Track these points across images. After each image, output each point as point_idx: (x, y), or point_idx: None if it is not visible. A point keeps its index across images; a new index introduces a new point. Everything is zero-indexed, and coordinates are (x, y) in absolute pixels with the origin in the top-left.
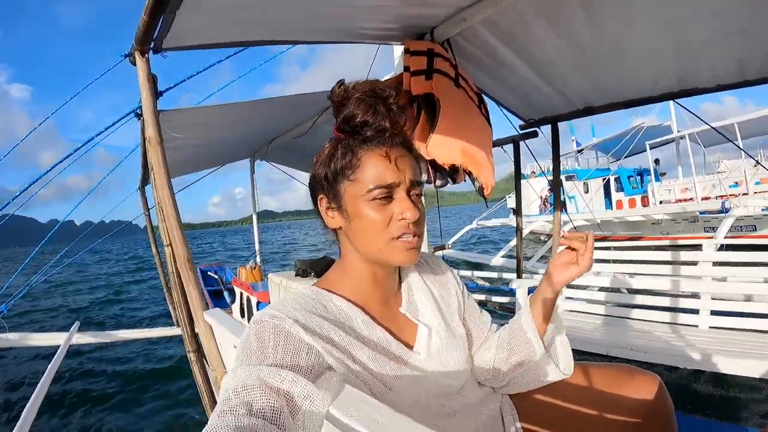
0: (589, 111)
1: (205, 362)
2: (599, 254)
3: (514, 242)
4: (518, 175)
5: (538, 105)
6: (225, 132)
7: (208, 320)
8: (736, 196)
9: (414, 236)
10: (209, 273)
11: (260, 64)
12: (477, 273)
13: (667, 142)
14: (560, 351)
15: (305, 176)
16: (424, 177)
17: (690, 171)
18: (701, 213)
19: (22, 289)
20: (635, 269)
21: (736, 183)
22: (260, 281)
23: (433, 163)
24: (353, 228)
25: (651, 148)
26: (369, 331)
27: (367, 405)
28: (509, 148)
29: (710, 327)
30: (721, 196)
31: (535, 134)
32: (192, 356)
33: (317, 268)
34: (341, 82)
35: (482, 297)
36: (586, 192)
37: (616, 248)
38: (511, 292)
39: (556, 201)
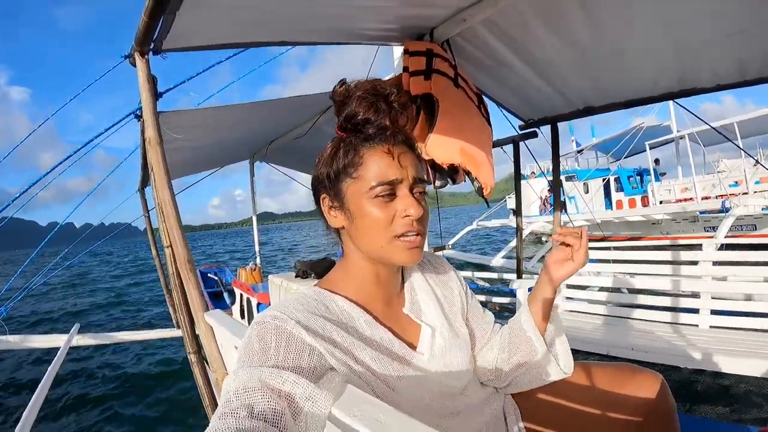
0: (589, 111)
1: (206, 364)
2: (600, 254)
3: (514, 243)
4: (518, 176)
5: (537, 105)
6: (224, 133)
7: (209, 321)
8: (736, 195)
9: (417, 235)
10: (209, 274)
11: (260, 65)
12: (477, 273)
13: (667, 142)
14: (560, 350)
15: (305, 178)
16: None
17: (690, 171)
18: (701, 213)
19: (22, 292)
20: (635, 269)
21: (736, 182)
22: (260, 283)
23: (432, 164)
24: (356, 227)
25: (651, 148)
26: (372, 331)
27: (369, 405)
28: (509, 148)
29: (711, 326)
30: (721, 196)
31: (534, 134)
32: (192, 358)
33: (318, 269)
34: (343, 82)
35: (482, 298)
36: (586, 192)
37: (616, 248)
38: (512, 293)
39: (556, 201)
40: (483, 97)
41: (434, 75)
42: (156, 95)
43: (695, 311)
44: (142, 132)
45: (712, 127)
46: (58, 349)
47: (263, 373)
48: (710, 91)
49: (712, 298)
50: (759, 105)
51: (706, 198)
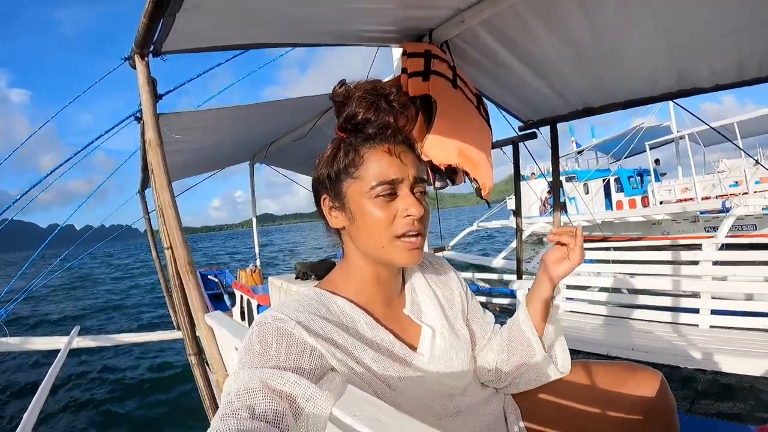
0: (588, 111)
1: (207, 365)
2: (600, 255)
3: (514, 244)
4: (518, 177)
5: (537, 106)
6: (224, 135)
7: (210, 323)
8: (737, 195)
9: (417, 236)
10: (209, 276)
11: (260, 67)
12: (478, 274)
13: (667, 143)
14: (558, 349)
15: (305, 179)
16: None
17: (690, 171)
18: (702, 213)
19: (22, 294)
20: (636, 269)
21: (736, 182)
22: (260, 284)
23: (431, 165)
24: (357, 227)
25: (651, 149)
26: (372, 332)
27: (370, 405)
28: (508, 149)
29: (711, 326)
30: (722, 196)
31: (534, 135)
32: (193, 359)
33: (318, 270)
34: (342, 82)
35: (483, 299)
36: (587, 193)
37: (616, 249)
38: (512, 294)
39: (556, 202)
40: (482, 98)
41: (432, 76)
42: (156, 97)
43: (695, 311)
44: (142, 134)
45: (711, 127)
46: (58, 351)
47: (264, 373)
48: (709, 91)
49: (713, 297)
50: (759, 105)
51: (707, 198)
